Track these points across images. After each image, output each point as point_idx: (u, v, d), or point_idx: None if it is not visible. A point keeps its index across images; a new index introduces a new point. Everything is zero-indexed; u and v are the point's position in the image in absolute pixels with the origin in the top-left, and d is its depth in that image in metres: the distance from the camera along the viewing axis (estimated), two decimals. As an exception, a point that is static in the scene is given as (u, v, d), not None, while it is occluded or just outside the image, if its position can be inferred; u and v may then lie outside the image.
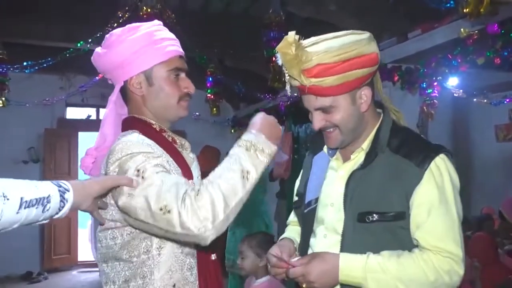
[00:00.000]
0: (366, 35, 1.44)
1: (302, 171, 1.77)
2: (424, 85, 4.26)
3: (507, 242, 4.14)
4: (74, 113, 8.61)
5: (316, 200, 1.59)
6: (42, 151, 7.62)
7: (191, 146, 1.63)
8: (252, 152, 1.31)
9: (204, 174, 1.41)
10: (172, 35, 1.57)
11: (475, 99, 5.02)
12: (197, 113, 7.35)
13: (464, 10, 2.73)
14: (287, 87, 1.49)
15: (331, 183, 1.57)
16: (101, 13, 4.88)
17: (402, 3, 3.77)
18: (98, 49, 1.56)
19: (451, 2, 3.00)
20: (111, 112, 1.58)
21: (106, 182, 1.31)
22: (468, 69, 3.89)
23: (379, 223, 1.43)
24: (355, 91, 1.46)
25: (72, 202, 1.20)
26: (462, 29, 3.23)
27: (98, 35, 4.47)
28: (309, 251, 1.58)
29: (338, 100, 1.44)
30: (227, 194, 1.24)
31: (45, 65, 5.10)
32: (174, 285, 1.39)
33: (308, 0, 4.33)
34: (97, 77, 5.62)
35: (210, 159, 4.55)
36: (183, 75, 1.55)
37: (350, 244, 1.46)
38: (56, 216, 1.19)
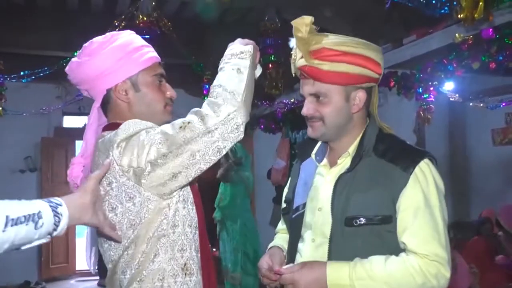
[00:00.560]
0: (376, 45, 1.52)
1: (290, 178, 1.79)
2: (420, 90, 4.28)
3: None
4: (71, 121, 8.60)
5: (304, 205, 1.61)
6: (39, 160, 7.60)
7: None
8: (234, 59, 1.43)
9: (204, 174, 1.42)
10: (146, 42, 1.59)
11: (471, 103, 5.04)
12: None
13: (459, 16, 2.76)
14: (292, 68, 1.56)
15: (319, 188, 1.59)
16: (97, 22, 4.90)
17: (397, 10, 3.80)
18: (75, 59, 1.55)
19: (446, 8, 3.02)
20: (94, 120, 1.57)
21: (89, 183, 1.29)
22: (464, 74, 3.92)
23: (366, 226, 1.44)
24: (350, 89, 1.50)
25: (68, 215, 1.17)
26: (457, 34, 3.25)
27: (94, 44, 4.48)
28: (297, 256, 1.59)
29: (332, 91, 1.49)
30: (231, 83, 1.35)
31: (41, 74, 5.10)
32: (184, 264, 1.43)
33: (304, 7, 4.35)
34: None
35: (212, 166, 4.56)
36: (164, 81, 1.58)
37: (338, 248, 1.48)
38: (55, 233, 1.16)
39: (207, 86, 6.14)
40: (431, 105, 4.43)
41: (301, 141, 1.74)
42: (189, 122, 1.30)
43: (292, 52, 1.53)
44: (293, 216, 1.65)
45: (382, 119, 1.62)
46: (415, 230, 1.41)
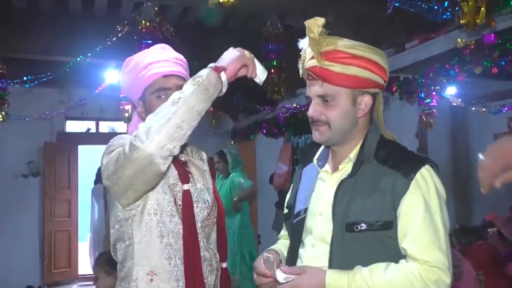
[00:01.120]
0: (383, 51, 1.54)
1: (292, 184, 1.79)
2: (423, 95, 4.28)
3: None
4: (73, 126, 8.63)
5: (305, 210, 1.60)
6: (42, 165, 7.61)
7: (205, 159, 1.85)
8: (186, 85, 1.47)
9: None
10: (161, 57, 1.69)
11: (473, 108, 5.04)
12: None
13: (461, 21, 2.76)
14: (300, 70, 1.56)
15: (320, 193, 1.59)
16: (100, 28, 4.92)
17: (399, 15, 3.80)
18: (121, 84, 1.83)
19: (448, 13, 3.03)
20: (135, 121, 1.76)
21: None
22: (466, 79, 3.92)
23: (367, 232, 1.44)
24: (357, 93, 1.51)
25: None
26: (459, 39, 3.25)
27: (97, 49, 4.50)
28: (298, 262, 1.59)
29: (341, 94, 1.49)
30: (155, 118, 1.42)
31: (44, 79, 5.12)
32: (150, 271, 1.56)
33: (306, 12, 4.36)
34: (96, 91, 5.65)
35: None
36: (165, 93, 1.62)
37: (338, 253, 1.47)
38: None
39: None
40: (433, 110, 4.43)
41: (303, 146, 1.76)
42: (122, 151, 1.45)
43: (301, 53, 1.54)
44: (294, 221, 1.64)
45: (384, 124, 1.62)
46: (415, 236, 1.41)
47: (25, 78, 5.30)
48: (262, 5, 4.57)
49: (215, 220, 1.74)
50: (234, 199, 5.46)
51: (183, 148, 1.68)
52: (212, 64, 1.51)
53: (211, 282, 1.68)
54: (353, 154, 1.55)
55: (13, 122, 6.23)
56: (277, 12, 4.87)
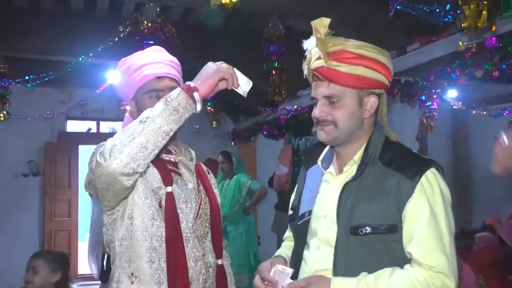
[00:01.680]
0: (387, 52, 1.55)
1: (296, 185, 1.78)
2: (423, 98, 4.28)
3: None
4: (74, 126, 8.63)
5: (310, 212, 1.59)
6: (42, 164, 7.62)
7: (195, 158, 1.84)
8: (158, 104, 1.48)
9: None
10: (155, 58, 1.71)
11: (474, 111, 5.04)
12: (197, 126, 7.38)
13: (462, 25, 2.77)
14: (305, 71, 1.55)
15: (325, 195, 1.57)
16: (102, 28, 4.93)
17: (400, 18, 3.81)
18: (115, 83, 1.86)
19: (449, 16, 3.03)
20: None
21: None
22: (467, 82, 3.92)
23: (372, 235, 1.43)
24: (364, 94, 1.50)
25: None
26: (460, 43, 3.26)
27: (99, 49, 4.50)
28: (302, 264, 1.58)
29: (347, 94, 1.48)
30: (121, 135, 1.45)
31: (46, 79, 5.13)
32: (132, 274, 1.60)
33: (307, 13, 4.36)
34: (97, 91, 5.66)
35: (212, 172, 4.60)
36: (163, 93, 1.61)
37: (343, 256, 1.46)
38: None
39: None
40: (434, 113, 4.43)
41: (307, 147, 1.75)
42: (93, 161, 1.50)
43: (306, 54, 1.52)
44: (299, 223, 1.63)
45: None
46: (420, 240, 1.40)
47: (26, 78, 5.31)
48: (263, 7, 4.57)
49: (208, 218, 1.75)
50: (246, 204, 5.49)
51: (172, 149, 1.76)
52: (187, 83, 1.52)
53: (206, 281, 1.68)
54: (357, 156, 1.54)
55: (14, 122, 6.24)
56: (278, 14, 4.87)
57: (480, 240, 4.10)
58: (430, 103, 4.30)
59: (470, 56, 3.36)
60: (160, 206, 1.61)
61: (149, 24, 4.21)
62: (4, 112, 5.52)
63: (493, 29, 2.91)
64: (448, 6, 3.04)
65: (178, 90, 1.48)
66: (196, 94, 1.49)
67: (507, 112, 5.02)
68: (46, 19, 5.25)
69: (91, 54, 4.69)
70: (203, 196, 1.75)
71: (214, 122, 7.38)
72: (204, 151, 6.41)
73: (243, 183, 5.46)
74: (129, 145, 1.41)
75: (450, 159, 6.47)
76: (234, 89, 1.59)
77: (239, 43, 5.44)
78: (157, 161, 1.63)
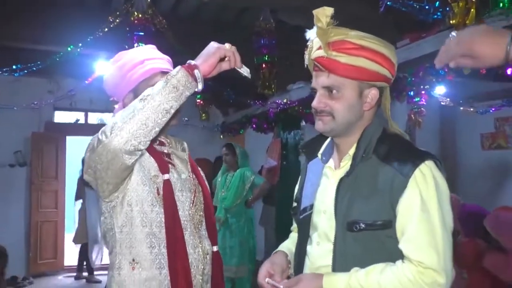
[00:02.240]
0: (392, 46, 1.52)
1: (299, 177, 1.76)
2: (412, 94, 4.31)
3: None
4: (62, 117, 8.56)
5: (311, 206, 1.59)
6: (29, 155, 7.55)
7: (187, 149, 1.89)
8: (159, 82, 1.51)
9: None
10: (156, 55, 1.78)
11: (461, 108, 5.09)
12: (186, 119, 7.36)
13: (451, 22, 2.80)
14: (306, 61, 1.53)
15: (324, 190, 1.57)
16: (91, 18, 4.89)
17: (391, 14, 3.83)
18: (104, 76, 1.83)
19: (439, 13, 3.06)
20: None
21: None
22: (455, 79, 3.96)
23: (366, 232, 1.42)
24: (364, 86, 1.48)
25: None
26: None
27: (88, 39, 4.47)
28: (306, 259, 1.59)
29: (347, 85, 1.46)
30: (122, 113, 1.48)
31: (34, 68, 5.08)
32: (133, 260, 1.63)
33: (298, 8, 4.37)
34: (86, 81, 5.61)
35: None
36: None
37: (341, 252, 1.46)
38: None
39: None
40: (422, 109, 4.46)
41: (307, 140, 1.73)
42: (91, 144, 1.53)
43: (308, 43, 1.51)
44: (301, 217, 1.63)
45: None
46: (410, 236, 1.38)
47: (14, 67, 5.25)
48: (255, 0, 4.57)
49: (202, 206, 1.79)
50: (249, 198, 5.55)
51: (165, 140, 1.82)
52: (188, 61, 1.55)
53: (204, 267, 1.72)
54: (352, 150, 1.52)
55: (0, 111, 6.17)
56: (269, 8, 4.87)
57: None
58: (418, 99, 4.33)
59: (458, 53, 3.39)
60: (158, 193, 1.64)
61: (140, 15, 4.19)
62: (-9, 101, 5.47)
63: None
64: (437, 3, 3.06)
65: (178, 68, 1.51)
66: (196, 72, 1.51)
67: (493, 109, 5.08)
68: (34, 8, 5.19)
69: (80, 44, 4.66)
70: (196, 185, 1.79)
71: (203, 115, 7.38)
72: (193, 143, 6.37)
73: (247, 177, 5.49)
74: (129, 122, 1.43)
75: (437, 155, 6.51)
76: (237, 69, 1.62)
77: (230, 36, 5.43)
78: (153, 151, 1.69)
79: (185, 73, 1.50)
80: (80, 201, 7.33)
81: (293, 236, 1.78)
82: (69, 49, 4.79)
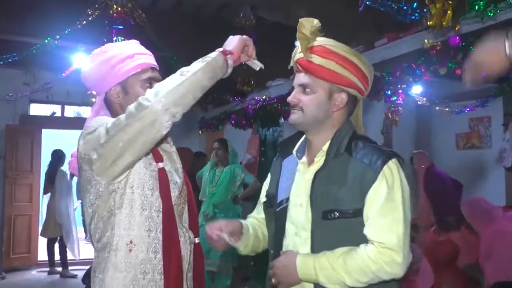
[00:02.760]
0: (370, 64, 1.72)
1: (270, 175, 1.91)
2: (389, 93, 4.36)
3: None
4: (38, 109, 8.43)
5: (287, 199, 1.73)
6: (3, 148, 7.42)
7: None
8: (196, 62, 1.60)
9: None
10: (145, 50, 1.82)
11: (437, 108, 5.17)
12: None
13: (428, 23, 2.86)
14: (291, 62, 1.72)
15: (299, 185, 1.71)
16: (69, 10, 4.82)
17: (370, 13, 3.87)
18: (83, 68, 1.82)
19: (416, 14, 3.11)
20: (89, 119, 1.79)
21: None
22: (431, 79, 4.02)
23: (340, 220, 1.58)
24: (335, 89, 1.65)
25: None
26: (426, 40, 3.35)
27: (66, 31, 4.41)
28: (284, 249, 1.71)
29: (318, 85, 1.65)
30: (163, 84, 1.56)
31: (9, 60, 4.99)
32: (130, 241, 1.64)
33: (278, 5, 4.39)
34: (63, 74, 5.54)
35: (182, 160, 4.59)
36: (155, 83, 1.72)
37: (318, 241, 1.61)
38: None
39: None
40: (399, 108, 4.52)
41: (284, 139, 1.96)
42: (119, 118, 1.55)
43: (295, 48, 1.68)
44: (278, 209, 1.76)
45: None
46: (374, 221, 1.55)
47: (-11, 58, 5.15)
48: (235, -4, 4.58)
49: (186, 199, 1.83)
50: (238, 195, 5.56)
51: None
52: (219, 49, 1.64)
53: (190, 256, 1.77)
54: (325, 147, 1.68)
55: (-26, 103, 6.06)
56: (249, 4, 4.87)
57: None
58: (395, 98, 4.39)
59: (434, 53, 3.45)
60: (156, 179, 1.69)
61: (119, 9, 4.15)
62: (-35, 92, 5.35)
63: (456, 29, 3.00)
64: (415, 4, 3.11)
65: (216, 52, 1.62)
66: (229, 57, 1.64)
67: (468, 109, 5.18)
68: (11, -1, 5.10)
69: (57, 37, 4.59)
70: (182, 177, 1.82)
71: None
72: (172, 138, 6.37)
73: (237, 174, 5.50)
74: (172, 91, 1.52)
75: (412, 154, 6.63)
76: (252, 60, 1.75)
77: (210, 32, 5.42)
78: None
79: (222, 58, 1.61)
80: (49, 194, 7.25)
81: (250, 220, 1.95)
82: (46, 41, 4.72)
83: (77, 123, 8.41)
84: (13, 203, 7.42)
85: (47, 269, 7.28)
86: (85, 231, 8.57)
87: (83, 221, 8.65)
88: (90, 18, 4.30)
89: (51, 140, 8.47)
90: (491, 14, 2.96)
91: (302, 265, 1.58)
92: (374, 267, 1.52)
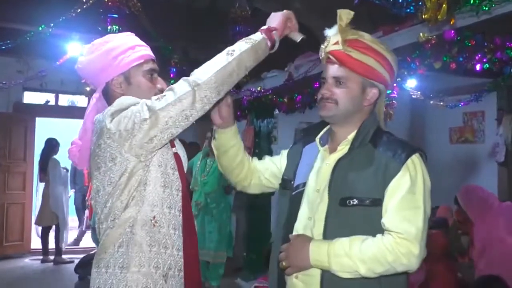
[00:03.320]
0: (395, 57, 1.75)
1: (287, 160, 1.93)
2: (384, 86, 4.36)
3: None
4: (31, 97, 8.38)
5: (304, 184, 1.76)
6: (-3, 136, 7.39)
7: None
8: (240, 42, 1.67)
9: None
10: (142, 42, 1.84)
11: (431, 102, 5.18)
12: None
13: (423, 16, 2.86)
14: (322, 54, 1.73)
15: (319, 171, 1.74)
16: (64, -2, 4.78)
17: (365, 6, 3.86)
18: (81, 58, 1.83)
19: (411, 7, 3.11)
20: (93, 108, 1.84)
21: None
22: (426, 72, 4.02)
23: (358, 207, 1.59)
24: (367, 84, 1.69)
25: None
26: (421, 34, 3.34)
27: (61, 19, 4.38)
28: (294, 232, 1.72)
29: (353, 79, 1.67)
30: (210, 63, 1.61)
31: (3, 47, 4.95)
32: (154, 217, 1.67)
33: (275, -4, 4.37)
34: (57, 62, 5.51)
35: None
36: (156, 75, 1.83)
37: (332, 226, 1.62)
38: None
39: (174, 70, 6.11)
40: (393, 101, 4.53)
41: (307, 127, 1.97)
42: (164, 95, 1.58)
43: (326, 39, 1.71)
44: (294, 193, 1.78)
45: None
46: (394, 212, 1.56)
47: (-17, 45, 5.11)
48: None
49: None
50: (229, 184, 5.54)
51: None
52: (263, 27, 1.71)
53: None
54: (351, 136, 1.71)
55: (-33, 90, 6.01)
56: (246, -6, 4.85)
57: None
58: (390, 91, 4.38)
59: (429, 47, 3.44)
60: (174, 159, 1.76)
61: (114, -3, 4.12)
62: (-43, 79, 5.31)
63: (451, 22, 3.00)
64: (410, -3, 3.11)
65: (259, 33, 1.68)
66: (275, 33, 1.70)
67: (462, 103, 5.19)
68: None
69: (52, 24, 4.55)
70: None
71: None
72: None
73: None
74: (220, 70, 1.59)
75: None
76: (293, 33, 1.79)
77: (205, 22, 5.40)
78: None
79: (265, 40, 1.67)
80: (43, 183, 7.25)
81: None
82: (40, 28, 4.68)
83: (71, 111, 8.41)
84: (6, 191, 7.42)
85: (40, 257, 7.29)
86: (79, 219, 8.61)
87: (77, 209, 8.75)
88: (84, 7, 4.27)
89: (45, 128, 8.44)
90: (486, 8, 2.96)
91: (315, 251, 1.59)
92: (390, 257, 1.52)
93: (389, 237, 1.54)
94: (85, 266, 5.25)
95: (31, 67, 7.22)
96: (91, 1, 4.24)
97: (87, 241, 8.08)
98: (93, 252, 6.43)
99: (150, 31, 4.46)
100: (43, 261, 7.21)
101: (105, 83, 1.79)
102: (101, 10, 4.21)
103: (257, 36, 1.67)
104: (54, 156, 7.27)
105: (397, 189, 1.57)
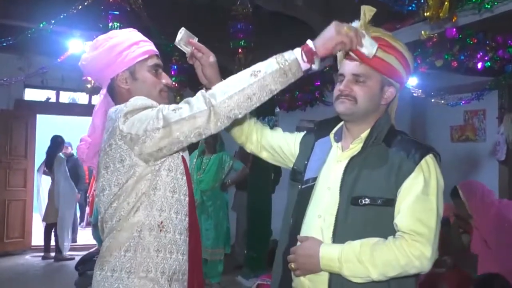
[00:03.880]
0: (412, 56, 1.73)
1: (299, 150, 1.90)
2: (385, 84, 4.35)
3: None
4: (32, 94, 8.38)
5: (314, 179, 1.73)
6: (-3, 133, 7.39)
7: None
8: (271, 60, 1.55)
9: None
10: (145, 38, 1.83)
11: (433, 100, 5.18)
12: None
13: (425, 14, 2.85)
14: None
15: (330, 168, 1.71)
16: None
17: (367, 3, 3.86)
18: (85, 55, 1.82)
19: (413, 5, 3.10)
20: (101, 105, 1.85)
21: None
22: (427, 70, 4.02)
23: (370, 207, 1.57)
24: (385, 82, 1.66)
25: None
26: (422, 32, 3.34)
27: (62, 16, 4.38)
28: (303, 228, 1.70)
29: (373, 77, 1.64)
30: (230, 83, 1.55)
31: (4, 44, 4.94)
32: (161, 222, 1.67)
33: (276, -6, 4.35)
34: (58, 59, 5.50)
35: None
36: (160, 70, 1.83)
37: (342, 225, 1.59)
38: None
39: (175, 67, 6.10)
40: (394, 99, 4.52)
41: (322, 120, 1.94)
42: (180, 108, 1.54)
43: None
44: (303, 186, 1.76)
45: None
46: (407, 213, 1.54)
47: (-17, 42, 5.10)
48: (232, -16, 4.54)
49: None
50: (226, 182, 5.65)
51: None
52: (309, 43, 1.55)
53: None
54: (364, 134, 1.69)
55: (-32, 87, 6.01)
56: (247, -9, 4.83)
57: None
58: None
59: (431, 45, 3.45)
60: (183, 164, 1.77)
61: (115, -6, 4.11)
62: (-42, 76, 5.31)
63: (453, 20, 2.99)
64: (412, -6, 3.10)
65: (293, 55, 1.54)
66: (316, 60, 1.56)
67: (463, 102, 5.20)
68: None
69: (53, 21, 4.54)
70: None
71: (178, 98, 7.31)
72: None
73: (225, 161, 5.57)
74: (238, 93, 1.52)
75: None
76: (359, 48, 1.59)
77: (206, 19, 5.38)
78: None
79: (297, 62, 1.54)
80: (50, 180, 7.24)
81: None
82: (41, 25, 4.67)
83: (72, 109, 8.41)
84: (7, 188, 7.42)
85: (41, 254, 7.29)
86: (81, 217, 8.64)
87: (80, 206, 8.72)
88: (85, 3, 4.26)
89: (46, 125, 8.44)
90: (488, 6, 2.96)
91: (326, 256, 1.56)
92: (403, 260, 1.50)
93: (401, 239, 1.52)
94: (85, 263, 5.27)
95: (32, 64, 7.21)
96: (91, -2, 4.23)
97: (86, 239, 8.10)
98: (93, 249, 6.46)
99: (151, 28, 4.45)
100: (44, 258, 7.22)
101: (110, 79, 1.78)
102: (102, 7, 4.19)
103: (290, 56, 1.54)
104: (60, 154, 7.32)
105: (411, 190, 1.55)
